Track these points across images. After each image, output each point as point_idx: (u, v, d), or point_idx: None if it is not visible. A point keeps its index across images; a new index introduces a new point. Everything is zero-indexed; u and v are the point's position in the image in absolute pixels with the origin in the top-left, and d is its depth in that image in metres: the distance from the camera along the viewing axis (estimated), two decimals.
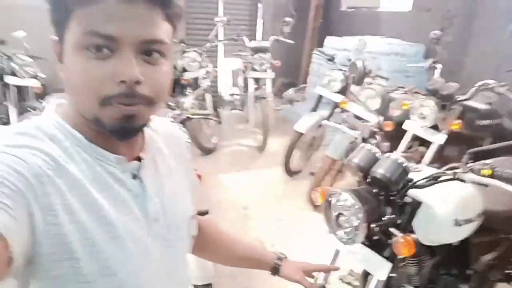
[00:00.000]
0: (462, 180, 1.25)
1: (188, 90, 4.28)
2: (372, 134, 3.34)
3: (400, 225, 1.32)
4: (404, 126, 2.84)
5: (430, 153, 2.68)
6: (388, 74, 4.08)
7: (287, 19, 4.84)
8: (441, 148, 2.87)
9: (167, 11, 0.58)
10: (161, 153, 0.72)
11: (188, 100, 4.06)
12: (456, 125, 2.56)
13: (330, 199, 1.34)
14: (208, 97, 4.28)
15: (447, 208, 1.39)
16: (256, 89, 4.47)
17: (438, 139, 2.65)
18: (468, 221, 1.44)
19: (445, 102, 2.63)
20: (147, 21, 0.56)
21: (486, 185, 1.24)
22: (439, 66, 2.87)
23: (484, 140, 2.87)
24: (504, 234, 1.87)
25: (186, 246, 0.77)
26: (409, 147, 3.00)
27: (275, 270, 0.98)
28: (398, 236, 1.24)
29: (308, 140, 3.80)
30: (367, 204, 1.27)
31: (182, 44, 4.31)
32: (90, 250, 0.57)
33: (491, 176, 1.22)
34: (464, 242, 1.73)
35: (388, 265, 1.33)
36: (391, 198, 1.33)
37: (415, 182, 1.32)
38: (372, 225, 1.25)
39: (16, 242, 0.48)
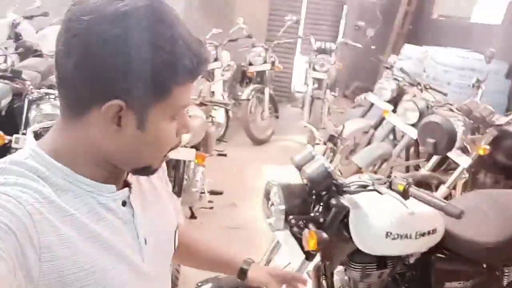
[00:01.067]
0: (378, 192, 1.29)
1: (252, 82, 4.58)
2: (406, 149, 3.26)
3: (323, 224, 1.40)
4: None
5: (454, 176, 2.55)
6: (459, 89, 3.85)
7: (359, 23, 4.79)
8: (475, 174, 2.70)
9: None
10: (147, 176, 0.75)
11: (246, 92, 4.35)
12: (483, 149, 2.40)
13: (268, 187, 1.49)
14: (267, 91, 4.49)
15: (380, 219, 1.43)
16: (316, 88, 4.56)
17: (464, 161, 2.51)
18: (404, 236, 1.45)
19: (477, 124, 2.47)
20: None
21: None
22: (483, 86, 2.67)
23: None
24: (480, 267, 1.78)
25: (170, 258, 0.81)
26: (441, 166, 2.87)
27: (242, 274, 1.01)
28: (306, 230, 1.33)
29: (351, 145, 3.79)
30: (290, 197, 1.38)
31: (252, 39, 4.59)
32: (91, 278, 0.58)
33: (405, 191, 1.24)
34: (426, 264, 1.72)
35: (301, 257, 1.43)
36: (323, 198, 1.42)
37: (342, 187, 1.39)
38: (290, 217, 1.36)
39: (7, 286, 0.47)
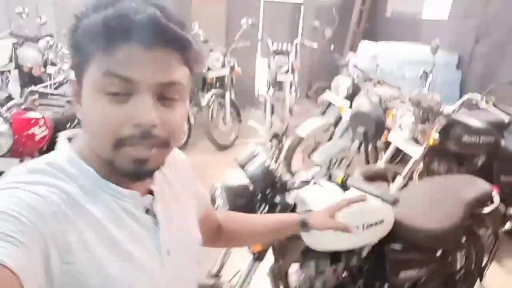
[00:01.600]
0: (320, 185, 1.29)
1: (212, 88, 4.54)
2: (364, 144, 3.31)
3: None
4: (388, 138, 2.77)
5: (408, 167, 2.59)
6: (412, 82, 3.94)
7: (315, 23, 4.85)
8: (429, 164, 2.76)
9: (185, 55, 0.58)
10: (168, 182, 0.73)
11: (206, 98, 4.31)
12: (433, 139, 2.45)
13: (212, 190, 1.46)
14: (227, 95, 4.46)
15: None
16: (276, 90, 4.57)
17: (416, 152, 2.56)
18: (356, 227, 1.45)
19: (427, 114, 2.52)
20: (165, 65, 0.56)
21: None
22: (430, 76, 2.74)
23: (478, 158, 2.71)
24: (433, 254, 1.81)
25: (194, 272, 0.78)
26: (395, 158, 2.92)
27: (304, 225, 1.01)
28: None
29: (312, 144, 3.81)
30: (234, 198, 1.36)
31: (209, 44, 4.56)
32: (109, 284, 0.57)
33: (343, 182, 1.25)
34: (380, 256, 1.73)
35: (250, 257, 1.41)
36: (268, 197, 1.40)
37: (285, 184, 1.38)
38: None
39: (29, 281, 0.47)
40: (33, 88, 2.28)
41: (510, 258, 2.74)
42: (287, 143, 3.38)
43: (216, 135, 4.37)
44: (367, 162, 3.46)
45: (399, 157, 2.87)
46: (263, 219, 1.05)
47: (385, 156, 2.79)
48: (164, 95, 0.58)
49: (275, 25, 6.17)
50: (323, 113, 4.04)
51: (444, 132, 2.56)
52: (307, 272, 1.63)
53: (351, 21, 6.13)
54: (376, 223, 1.52)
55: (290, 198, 1.40)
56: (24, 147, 2.12)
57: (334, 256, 1.61)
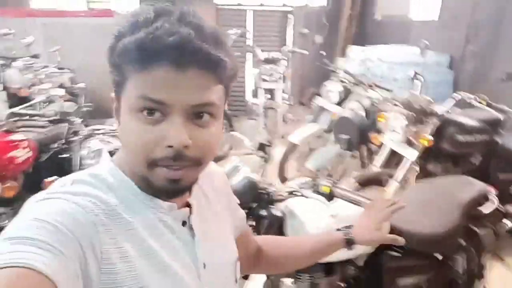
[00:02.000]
0: (305, 196, 1.23)
1: None
2: (359, 147, 3.26)
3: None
4: (382, 140, 2.72)
5: (402, 169, 2.54)
6: (404, 84, 3.91)
7: (304, 30, 4.83)
8: (425, 166, 2.71)
9: (219, 74, 0.58)
10: (205, 196, 0.73)
11: None
12: (427, 140, 2.40)
13: None
14: None
15: (315, 225, 1.36)
16: (269, 99, 4.54)
17: (410, 154, 2.51)
18: None
19: (419, 115, 2.48)
20: (198, 87, 0.56)
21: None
22: (420, 78, 2.70)
23: (474, 157, 2.65)
24: (433, 259, 1.74)
25: (232, 286, 0.76)
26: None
27: (350, 243, 0.98)
28: None
29: (306, 151, 3.76)
30: None
31: None
32: None
33: (330, 192, 1.19)
34: (376, 264, 1.66)
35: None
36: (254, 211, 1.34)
37: (271, 196, 1.32)
38: None
39: None
40: (13, 110, 2.22)
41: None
42: (280, 151, 3.34)
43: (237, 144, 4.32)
44: (363, 166, 3.41)
45: (396, 160, 2.80)
46: (303, 241, 1.01)
47: (379, 160, 2.74)
48: (197, 114, 0.58)
49: (264, 34, 6.16)
50: (315, 119, 4.00)
51: (438, 132, 2.51)
52: (301, 286, 1.57)
53: (340, 27, 6.12)
54: None
55: (277, 210, 1.34)
56: (5, 171, 2.06)
57: (329, 268, 1.55)
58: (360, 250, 1.52)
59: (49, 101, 2.70)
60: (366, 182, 2.57)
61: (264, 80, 4.44)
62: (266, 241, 0.96)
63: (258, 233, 1.31)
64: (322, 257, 0.99)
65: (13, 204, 2.22)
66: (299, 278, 1.54)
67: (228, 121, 4.66)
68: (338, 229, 0.99)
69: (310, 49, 6.09)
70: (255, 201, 1.32)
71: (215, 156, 0.63)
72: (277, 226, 1.35)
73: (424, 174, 2.73)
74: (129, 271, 0.55)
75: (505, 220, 2.09)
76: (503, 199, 2.70)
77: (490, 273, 2.03)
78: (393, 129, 2.52)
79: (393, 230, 1.60)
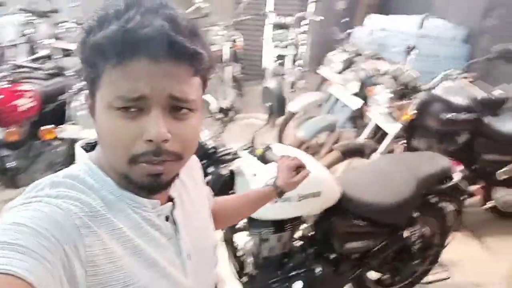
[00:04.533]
0: (240, 157, 1.35)
1: None
2: (353, 119, 3.30)
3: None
4: (368, 113, 2.76)
5: (385, 143, 2.59)
6: (416, 57, 3.84)
7: None
8: (409, 140, 2.74)
9: (195, 66, 0.57)
10: (184, 185, 0.73)
11: None
12: (408, 115, 2.43)
13: None
14: (227, 70, 4.50)
15: (260, 184, 1.49)
16: (279, 65, 4.56)
17: (392, 129, 2.55)
18: (286, 200, 1.51)
19: (405, 90, 2.49)
20: (175, 79, 0.55)
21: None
22: (414, 52, 2.67)
23: (459, 136, 2.66)
24: (383, 228, 1.84)
25: (214, 276, 0.79)
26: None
27: (281, 193, 1.08)
28: None
29: (304, 120, 3.81)
30: None
31: (211, 18, 4.57)
32: None
33: (262, 155, 1.30)
34: (327, 226, 1.78)
35: None
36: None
37: (218, 156, 1.45)
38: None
39: None
40: (16, 62, 2.41)
41: (493, 236, 2.73)
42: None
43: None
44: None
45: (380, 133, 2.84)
46: (243, 198, 1.09)
47: (364, 132, 2.79)
48: (175, 108, 0.57)
49: None
50: (318, 88, 4.03)
51: (424, 108, 2.52)
52: (253, 240, 1.72)
53: None
54: (313, 195, 1.57)
55: (225, 169, 1.47)
56: (9, 117, 2.28)
57: (278, 225, 1.68)
58: (300, 212, 1.64)
59: (50, 56, 2.88)
60: (349, 153, 2.65)
61: (276, 46, 4.45)
62: (216, 202, 1.00)
63: None
64: (258, 208, 1.09)
65: (17, 147, 2.46)
66: (252, 233, 1.70)
67: (238, 86, 4.75)
68: (267, 185, 1.09)
69: (332, 15, 5.96)
70: (202, 159, 1.45)
71: (195, 149, 0.63)
72: (222, 184, 1.48)
73: (409, 149, 2.77)
74: (116, 271, 0.55)
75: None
76: (485, 179, 2.74)
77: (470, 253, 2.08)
78: (377, 103, 2.55)
79: (346, 197, 1.72)
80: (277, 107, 1.29)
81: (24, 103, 2.34)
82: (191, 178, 0.77)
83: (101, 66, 0.54)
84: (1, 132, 2.20)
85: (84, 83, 2.46)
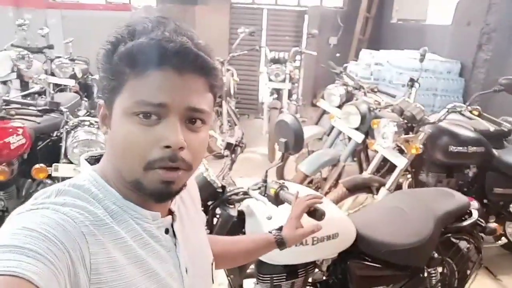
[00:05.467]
0: (254, 198, 1.24)
1: None
2: (357, 153, 3.22)
3: (210, 234, 1.33)
4: (374, 146, 2.68)
5: (392, 177, 2.50)
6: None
7: (313, 31, 4.80)
8: (417, 175, 2.66)
9: (211, 81, 0.61)
10: (183, 201, 0.75)
11: None
12: (416, 148, 2.36)
13: None
14: (224, 104, 4.46)
15: (272, 227, 1.37)
16: (275, 99, 4.53)
17: (400, 162, 2.46)
18: (299, 244, 1.39)
19: (410, 123, 2.43)
20: (194, 91, 0.59)
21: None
22: (416, 85, 2.64)
23: (468, 169, 2.59)
24: (402, 270, 1.71)
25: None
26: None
27: (281, 244, 1.02)
28: None
29: (305, 153, 3.73)
30: None
31: None
32: None
33: (276, 194, 1.19)
34: (344, 271, 1.65)
35: None
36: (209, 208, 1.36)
37: (227, 196, 1.33)
38: None
39: None
40: (8, 97, 2.31)
41: (507, 274, 2.60)
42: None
43: (213, 144, 4.35)
44: (361, 172, 3.36)
45: (386, 167, 2.76)
46: (238, 241, 1.05)
47: (371, 166, 2.70)
48: (190, 120, 0.60)
49: (277, 34, 6.15)
50: (318, 122, 3.98)
51: (431, 141, 2.46)
52: (262, 286, 1.58)
53: (355, 29, 6.05)
54: (328, 238, 1.45)
55: (234, 210, 1.35)
56: (0, 155, 2.15)
57: (290, 270, 1.55)
58: (316, 256, 1.52)
59: (42, 93, 2.79)
60: (354, 188, 2.54)
61: (270, 80, 4.44)
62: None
63: (211, 231, 1.32)
64: (257, 257, 1.04)
65: (5, 188, 2.31)
66: (261, 279, 1.55)
67: (234, 120, 4.69)
68: (270, 231, 1.03)
69: (324, 51, 6.05)
70: (210, 199, 1.33)
71: (201, 161, 0.65)
72: (231, 225, 1.36)
73: (416, 183, 2.68)
74: (119, 280, 0.56)
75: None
76: (498, 214, 2.64)
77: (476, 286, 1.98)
78: (383, 136, 2.48)
79: (361, 239, 1.60)
80: (294, 143, 1.19)
81: (15, 141, 2.21)
82: (188, 196, 0.78)
83: (126, 74, 0.57)
84: None
85: (77, 118, 2.40)
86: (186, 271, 0.68)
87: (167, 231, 0.67)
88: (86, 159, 0.68)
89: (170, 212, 0.69)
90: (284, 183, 1.22)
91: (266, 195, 1.22)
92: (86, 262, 0.53)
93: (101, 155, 0.67)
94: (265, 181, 1.26)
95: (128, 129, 0.57)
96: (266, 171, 1.30)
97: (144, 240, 0.62)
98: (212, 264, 0.80)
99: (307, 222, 1.07)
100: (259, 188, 1.27)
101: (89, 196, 0.59)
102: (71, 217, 0.54)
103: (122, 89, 0.58)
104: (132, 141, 0.57)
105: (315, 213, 1.04)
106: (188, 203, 0.77)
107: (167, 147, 0.57)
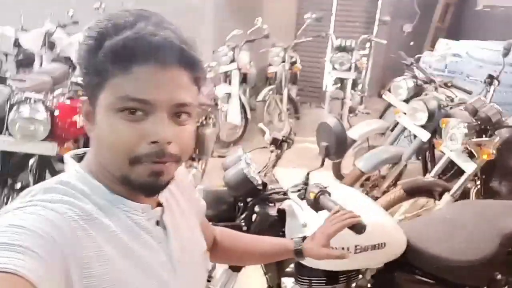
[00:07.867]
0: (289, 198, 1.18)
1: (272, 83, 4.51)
2: (422, 153, 2.99)
3: (248, 231, 1.30)
4: (441, 147, 2.46)
5: (458, 183, 2.28)
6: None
7: (385, 18, 4.50)
8: (487, 182, 2.41)
9: (194, 74, 0.61)
10: (171, 192, 0.75)
11: (262, 93, 4.29)
12: (487, 153, 2.11)
13: None
14: (285, 91, 4.38)
15: (313, 230, 1.30)
16: (338, 88, 4.37)
17: (467, 167, 2.24)
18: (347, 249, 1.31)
19: (484, 125, 2.19)
20: (179, 85, 0.59)
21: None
22: (495, 83, 2.35)
23: None
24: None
25: (203, 281, 0.81)
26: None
27: (299, 254, 0.99)
28: None
29: (365, 148, 3.55)
30: (215, 203, 1.31)
31: (271, 39, 4.51)
32: None
33: (316, 199, 1.11)
34: (388, 281, 1.54)
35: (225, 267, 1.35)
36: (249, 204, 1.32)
37: (266, 194, 1.28)
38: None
39: None
40: (73, 79, 2.45)
41: None
42: None
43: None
44: (425, 173, 3.13)
45: (452, 171, 2.52)
46: (257, 241, 1.03)
47: (435, 168, 2.49)
48: (176, 114, 0.60)
49: (348, 20, 5.88)
50: (382, 115, 3.77)
51: (507, 147, 2.19)
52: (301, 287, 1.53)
53: (434, 16, 5.58)
54: (374, 247, 1.35)
55: (273, 209, 1.30)
56: (67, 133, 2.30)
57: (331, 275, 1.48)
58: (358, 265, 1.42)
59: None
60: (414, 191, 2.37)
61: (334, 69, 4.27)
62: (223, 233, 0.98)
63: (249, 228, 1.29)
64: (273, 260, 1.05)
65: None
66: (300, 281, 1.51)
67: (294, 107, 4.61)
68: (292, 238, 0.99)
69: (397, 38, 5.67)
70: (250, 196, 1.30)
71: (190, 153, 0.65)
72: (270, 224, 1.31)
73: (486, 191, 2.43)
74: (110, 274, 0.56)
75: None
76: None
77: None
78: (451, 137, 2.26)
79: (412, 250, 1.48)
80: (335, 148, 1.10)
81: (81, 120, 2.35)
82: (177, 187, 0.77)
83: (110, 70, 0.56)
84: (54, 149, 2.20)
85: (26, 94, 2.36)
86: (179, 261, 0.68)
87: (157, 223, 0.67)
88: (71, 157, 0.67)
89: (159, 204, 0.69)
90: (326, 187, 1.13)
91: (305, 199, 1.16)
92: (77, 256, 0.53)
93: (85, 153, 0.66)
94: (305, 183, 1.19)
95: (113, 125, 0.57)
96: (308, 173, 1.23)
97: (135, 232, 0.62)
98: (205, 253, 0.79)
99: (346, 233, 0.99)
100: (299, 190, 1.20)
101: (77, 192, 0.59)
102: (60, 212, 0.54)
103: (106, 85, 0.57)
104: (118, 137, 0.57)
105: (355, 226, 0.96)
106: (176, 193, 0.76)
107: (154, 142, 0.57)
